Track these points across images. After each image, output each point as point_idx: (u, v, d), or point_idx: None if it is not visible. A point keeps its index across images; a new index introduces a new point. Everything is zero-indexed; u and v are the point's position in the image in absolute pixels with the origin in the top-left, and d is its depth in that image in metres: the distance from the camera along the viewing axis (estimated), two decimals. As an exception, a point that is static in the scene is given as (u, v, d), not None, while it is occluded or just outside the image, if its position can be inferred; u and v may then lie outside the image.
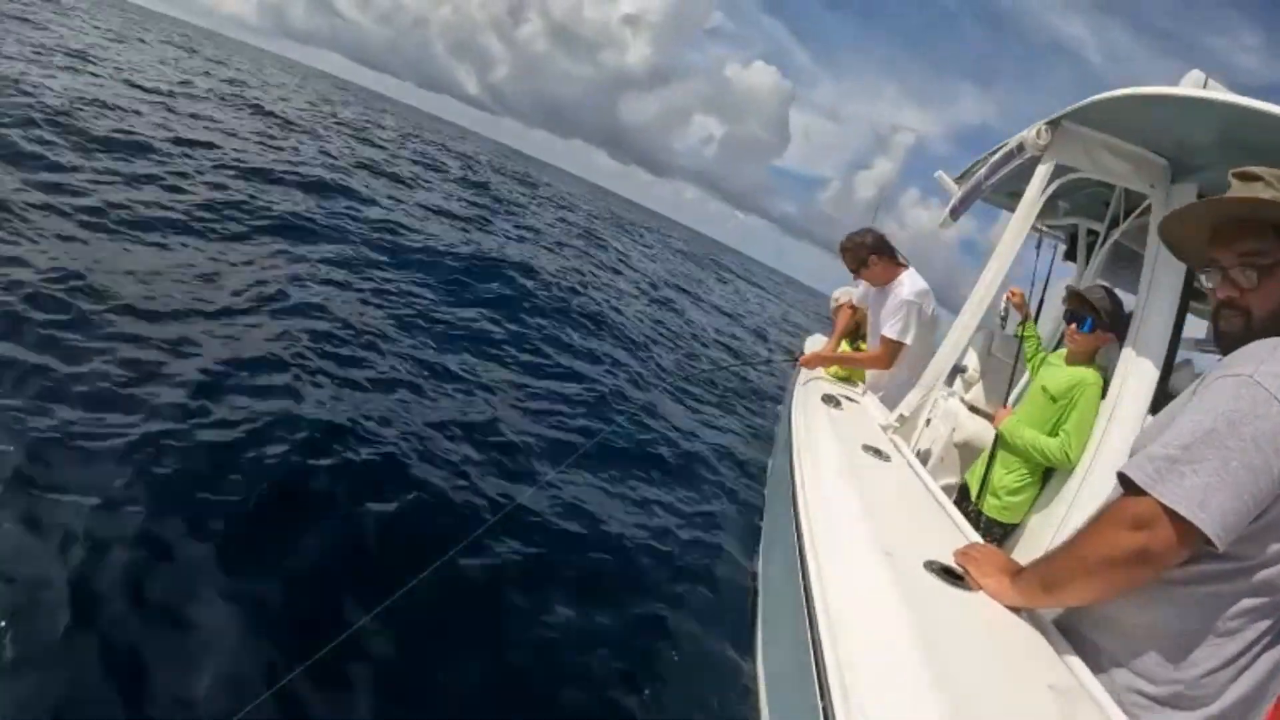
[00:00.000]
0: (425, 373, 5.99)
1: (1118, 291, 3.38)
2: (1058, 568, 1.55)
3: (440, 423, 5.09)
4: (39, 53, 14.47)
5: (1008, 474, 3.39)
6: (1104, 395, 3.18)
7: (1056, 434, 3.23)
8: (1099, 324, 3.25)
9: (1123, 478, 1.42)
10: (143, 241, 6.67)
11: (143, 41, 28.73)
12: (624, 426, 6.24)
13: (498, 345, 7.58)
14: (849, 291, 5.39)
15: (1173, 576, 1.42)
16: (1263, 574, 1.37)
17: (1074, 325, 3.32)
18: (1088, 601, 1.55)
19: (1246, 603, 1.39)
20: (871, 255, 4.29)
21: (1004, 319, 5.22)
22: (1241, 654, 1.40)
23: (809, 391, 4.01)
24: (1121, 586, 1.43)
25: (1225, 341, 1.55)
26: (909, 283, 4.22)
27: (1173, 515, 1.30)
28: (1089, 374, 3.22)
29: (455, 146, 40.01)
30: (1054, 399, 3.26)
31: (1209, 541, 1.29)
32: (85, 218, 6.65)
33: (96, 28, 25.99)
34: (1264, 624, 1.40)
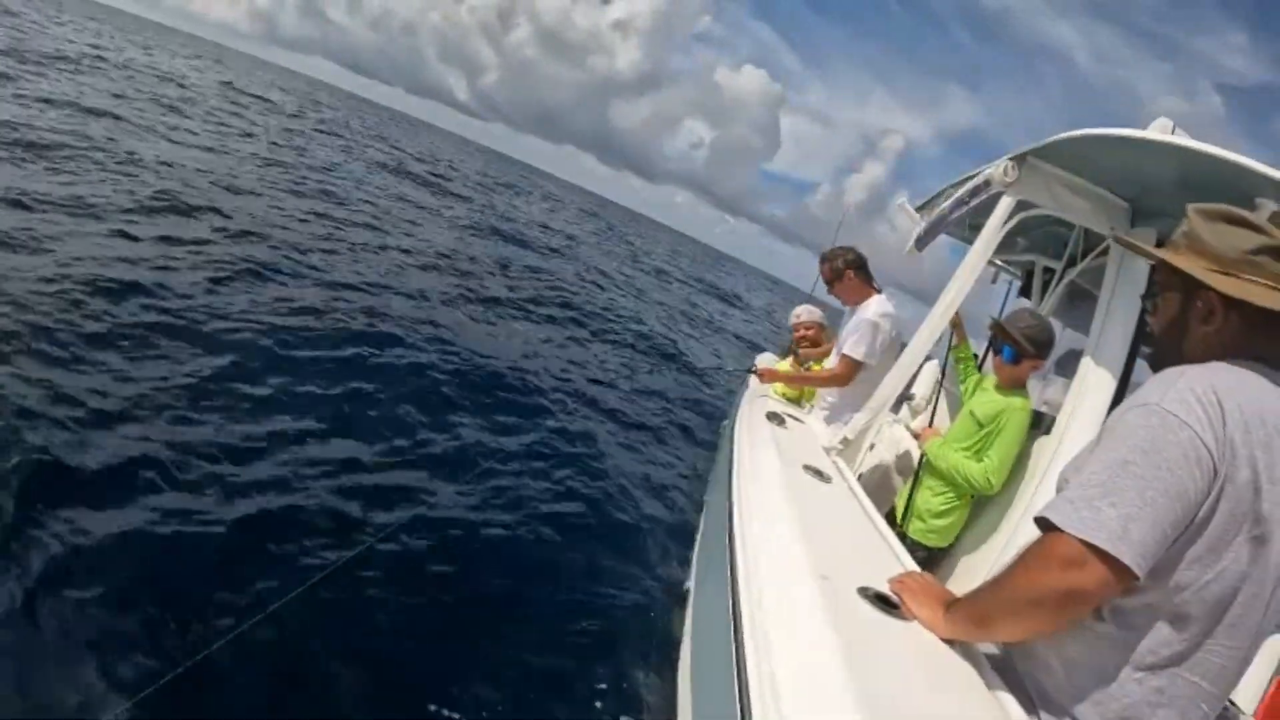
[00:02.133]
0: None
1: (1070, 330, 3.39)
2: (989, 606, 1.54)
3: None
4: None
5: (934, 497, 3.38)
6: (1033, 424, 3.23)
7: (980, 459, 3.23)
8: (1021, 353, 3.26)
9: (1041, 521, 1.42)
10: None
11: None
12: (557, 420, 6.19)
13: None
14: (811, 310, 5.40)
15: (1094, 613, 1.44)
16: (1177, 602, 1.38)
17: (998, 355, 3.35)
18: (1020, 638, 1.54)
19: (1165, 633, 1.40)
20: (849, 270, 4.31)
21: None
22: (1163, 688, 1.41)
23: (754, 408, 3.98)
24: (1054, 624, 1.43)
25: (1154, 368, 1.64)
26: (876, 305, 4.21)
27: (1097, 551, 1.30)
28: (1016, 401, 3.24)
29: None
30: (980, 424, 3.27)
31: (1133, 574, 1.30)
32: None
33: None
34: (1180, 652, 1.40)
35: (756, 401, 4.21)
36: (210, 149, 13.79)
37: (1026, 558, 1.44)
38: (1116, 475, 1.33)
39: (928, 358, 4.43)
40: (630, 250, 35.97)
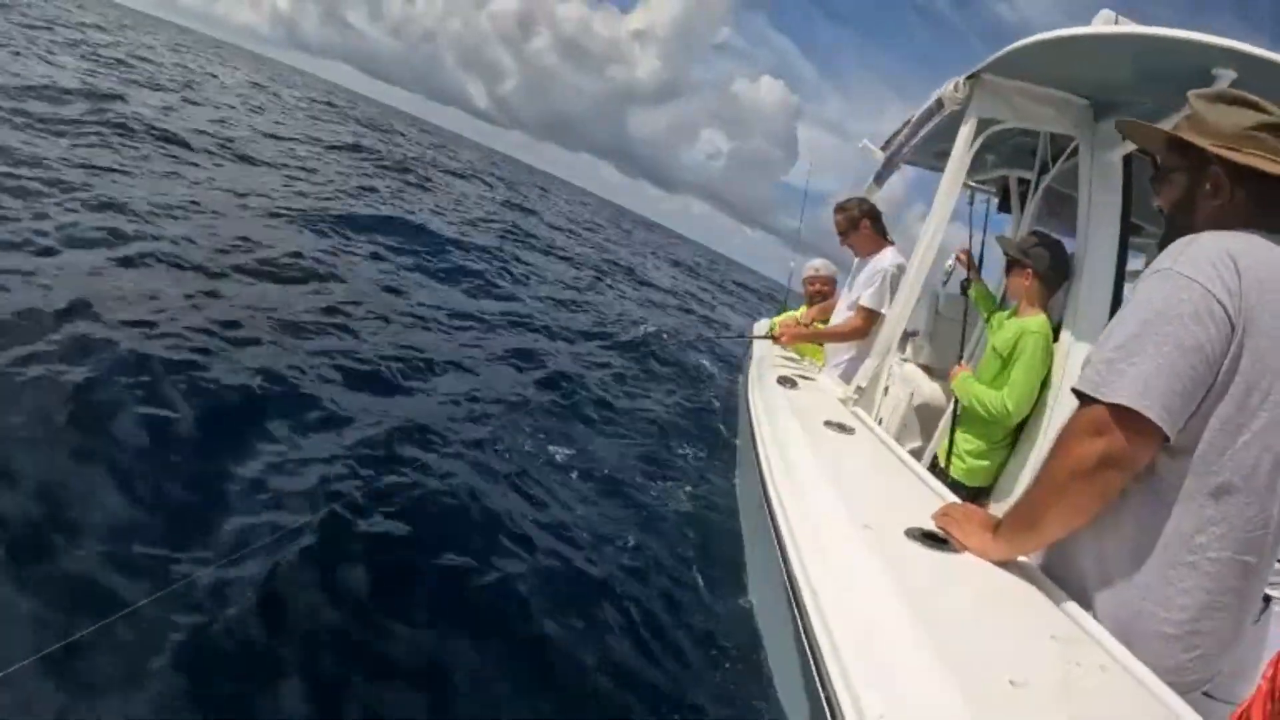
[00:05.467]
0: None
1: (1057, 236, 3.38)
2: (1034, 501, 1.56)
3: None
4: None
5: (974, 437, 3.31)
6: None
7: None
8: (1012, 263, 3.23)
9: (1075, 392, 1.47)
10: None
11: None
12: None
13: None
14: (828, 264, 5.40)
15: (1134, 490, 1.46)
16: (1214, 470, 1.40)
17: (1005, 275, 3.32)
18: (1071, 527, 1.54)
19: (1205, 509, 1.42)
20: (864, 219, 4.30)
21: (947, 278, 5.24)
22: (1208, 568, 1.42)
23: (763, 376, 3.98)
24: (1098, 500, 1.45)
25: (1161, 249, 1.64)
26: (890, 255, 4.19)
27: (1122, 411, 1.34)
28: (1031, 323, 3.10)
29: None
30: (1001, 355, 3.17)
31: (1164, 434, 1.34)
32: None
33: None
34: (1223, 530, 1.42)
35: (764, 368, 4.21)
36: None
37: (1060, 437, 1.48)
38: (1134, 337, 1.38)
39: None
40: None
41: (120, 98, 13.19)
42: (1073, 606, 1.53)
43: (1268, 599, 1.95)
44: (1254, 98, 1.57)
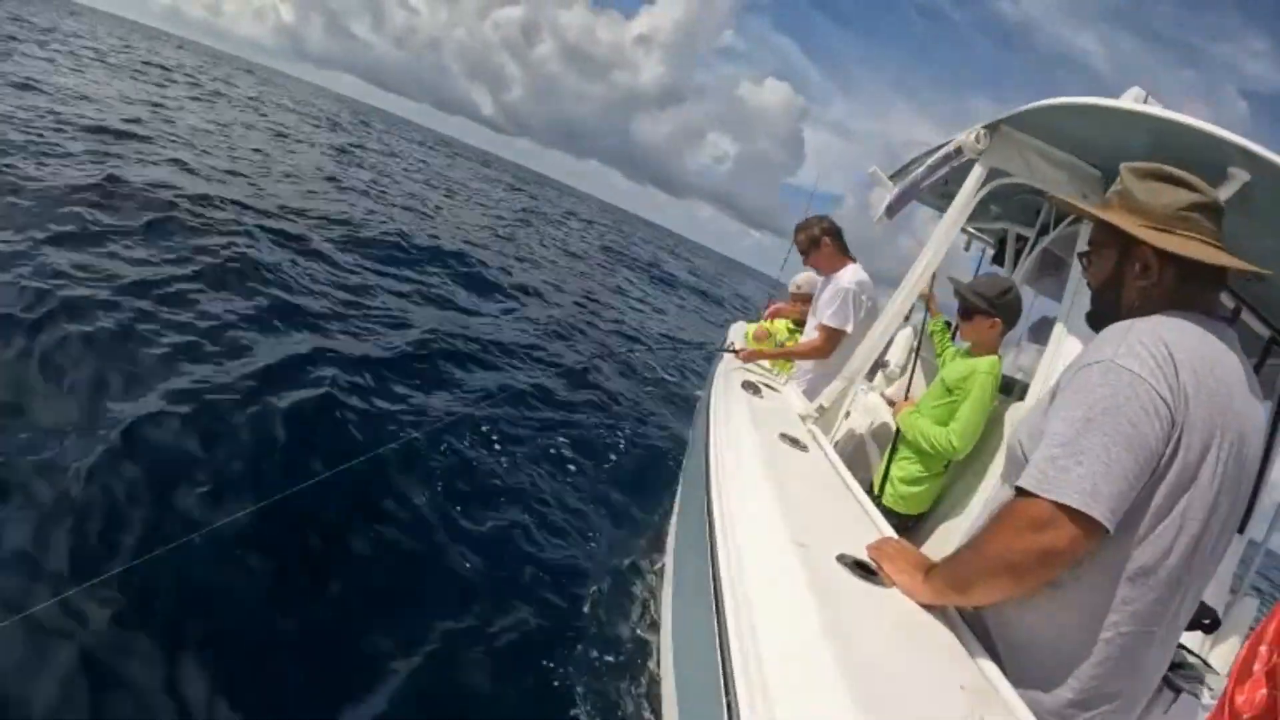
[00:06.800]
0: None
1: (1045, 298, 3.41)
2: (967, 570, 1.56)
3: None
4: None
5: (909, 465, 3.41)
6: (1005, 389, 3.23)
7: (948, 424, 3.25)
8: (976, 310, 3.29)
9: (1019, 491, 1.45)
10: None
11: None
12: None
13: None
14: (812, 279, 5.40)
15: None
16: (1135, 555, 1.43)
17: (960, 316, 3.39)
18: (999, 599, 1.55)
19: (1124, 589, 1.45)
20: (825, 238, 4.31)
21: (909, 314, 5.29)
22: (1121, 643, 1.46)
23: (730, 378, 3.97)
24: (1031, 585, 1.46)
25: (1091, 324, 1.70)
26: (850, 273, 4.22)
27: (1068, 511, 1.33)
28: (983, 364, 3.24)
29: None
30: (949, 390, 3.29)
31: (1104, 529, 1.35)
32: None
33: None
34: (1138, 608, 1.45)
35: (733, 371, 4.21)
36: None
37: (1000, 521, 1.47)
38: (1081, 434, 1.37)
39: (906, 320, 4.47)
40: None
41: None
42: (987, 662, 1.55)
43: (1178, 690, 1.99)
44: (1186, 175, 1.57)
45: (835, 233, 4.34)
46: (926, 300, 4.07)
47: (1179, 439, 1.38)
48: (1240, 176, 2.24)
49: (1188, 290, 1.54)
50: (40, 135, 9.67)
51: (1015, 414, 3.22)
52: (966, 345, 3.50)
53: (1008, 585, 1.47)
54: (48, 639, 2.56)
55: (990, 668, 1.53)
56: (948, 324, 4.11)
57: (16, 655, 2.47)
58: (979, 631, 1.65)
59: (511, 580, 3.82)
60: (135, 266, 6.07)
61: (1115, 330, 1.49)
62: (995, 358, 3.29)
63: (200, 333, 5.23)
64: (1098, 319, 1.65)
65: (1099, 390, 1.39)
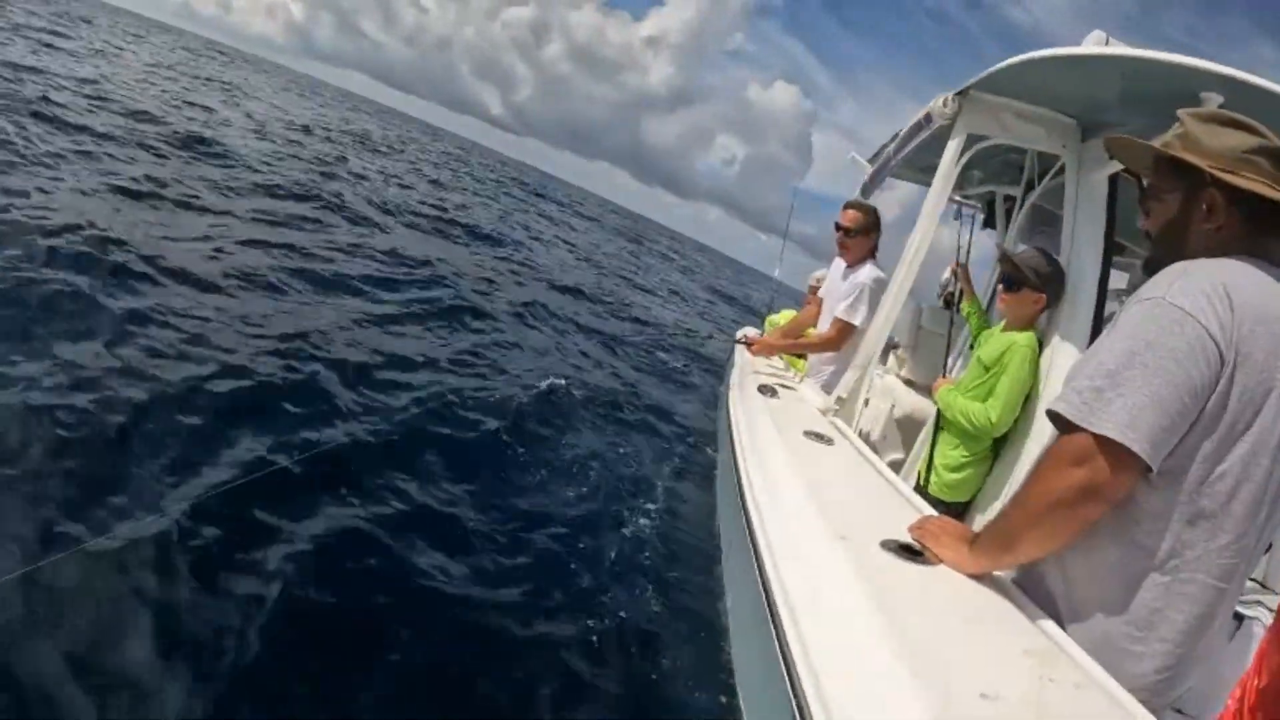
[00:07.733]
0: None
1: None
2: (1011, 523, 1.55)
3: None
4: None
5: (951, 450, 3.29)
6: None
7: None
8: (1024, 283, 3.15)
9: (1053, 415, 1.44)
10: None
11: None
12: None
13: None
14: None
15: (1108, 514, 1.43)
16: (1189, 500, 1.40)
17: (1002, 287, 3.28)
18: (1047, 550, 1.54)
19: (1179, 533, 1.41)
20: (874, 232, 4.25)
21: (942, 290, 5.26)
22: (1179, 589, 1.42)
23: (744, 384, 3.97)
24: (1076, 527, 1.44)
25: (1148, 270, 1.62)
26: (870, 269, 4.16)
27: (1107, 443, 1.32)
28: (1020, 337, 3.11)
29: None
30: (986, 367, 3.16)
31: (1146, 466, 1.32)
32: None
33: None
34: (1194, 554, 1.41)
35: (745, 376, 4.20)
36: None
37: (1040, 463, 1.46)
38: (1124, 366, 1.35)
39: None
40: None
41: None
42: (1048, 623, 1.53)
43: (1241, 617, 1.96)
44: (1248, 120, 1.53)
45: (878, 229, 4.29)
46: (962, 280, 4.02)
47: (1231, 378, 1.35)
48: (1214, 100, 2.25)
49: (1253, 235, 1.50)
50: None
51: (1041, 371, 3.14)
52: (1001, 324, 3.41)
53: (1052, 530, 1.45)
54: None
55: (1052, 628, 1.51)
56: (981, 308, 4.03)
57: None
58: (1035, 595, 1.62)
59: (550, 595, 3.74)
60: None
61: (1173, 269, 1.46)
62: (1032, 333, 3.16)
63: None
64: (1157, 265, 1.58)
65: (1147, 326, 1.37)
